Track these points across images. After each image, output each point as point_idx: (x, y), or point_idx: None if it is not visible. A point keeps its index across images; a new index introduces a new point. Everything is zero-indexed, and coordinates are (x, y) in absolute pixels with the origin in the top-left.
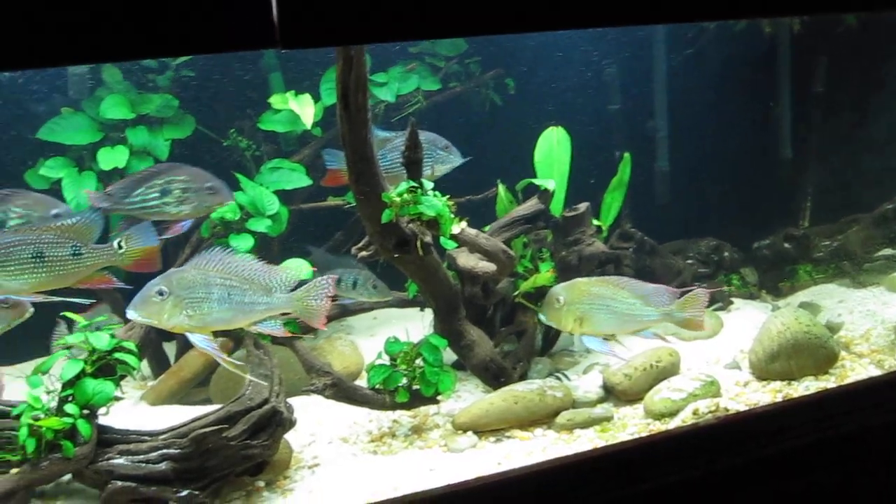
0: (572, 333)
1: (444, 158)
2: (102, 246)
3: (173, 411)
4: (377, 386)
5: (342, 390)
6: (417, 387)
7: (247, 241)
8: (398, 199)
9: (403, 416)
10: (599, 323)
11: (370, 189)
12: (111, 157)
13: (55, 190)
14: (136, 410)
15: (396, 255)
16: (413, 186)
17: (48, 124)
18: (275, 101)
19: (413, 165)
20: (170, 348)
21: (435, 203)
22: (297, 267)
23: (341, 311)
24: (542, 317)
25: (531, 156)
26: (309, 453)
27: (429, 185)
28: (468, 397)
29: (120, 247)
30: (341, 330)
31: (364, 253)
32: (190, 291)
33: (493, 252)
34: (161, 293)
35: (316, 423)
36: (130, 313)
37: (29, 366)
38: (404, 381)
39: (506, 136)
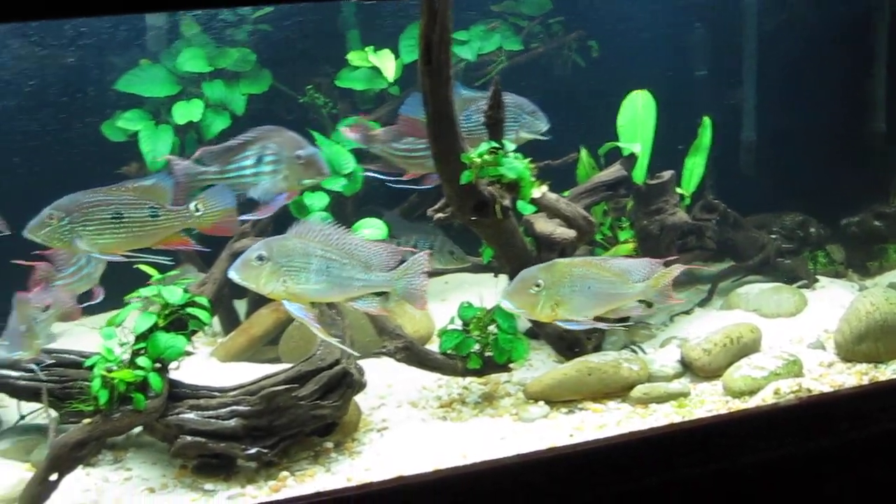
0: (544, 322)
1: (530, 123)
2: (180, 208)
3: (243, 368)
4: (449, 351)
5: (414, 354)
6: (490, 354)
7: (321, 200)
8: (478, 160)
9: (473, 382)
10: (578, 307)
11: (449, 149)
12: (186, 111)
13: (131, 143)
14: (206, 366)
15: (473, 219)
16: (494, 147)
17: (126, 76)
18: (353, 57)
19: (495, 126)
20: (240, 305)
21: (516, 165)
22: (373, 228)
23: None
24: (507, 303)
25: (613, 120)
26: (378, 416)
27: (510, 146)
28: (540, 366)
29: (197, 209)
30: None
31: (440, 215)
32: (289, 260)
33: (573, 218)
34: (260, 258)
35: (385, 387)
36: (231, 274)
37: (102, 319)
38: (477, 347)
39: (587, 99)
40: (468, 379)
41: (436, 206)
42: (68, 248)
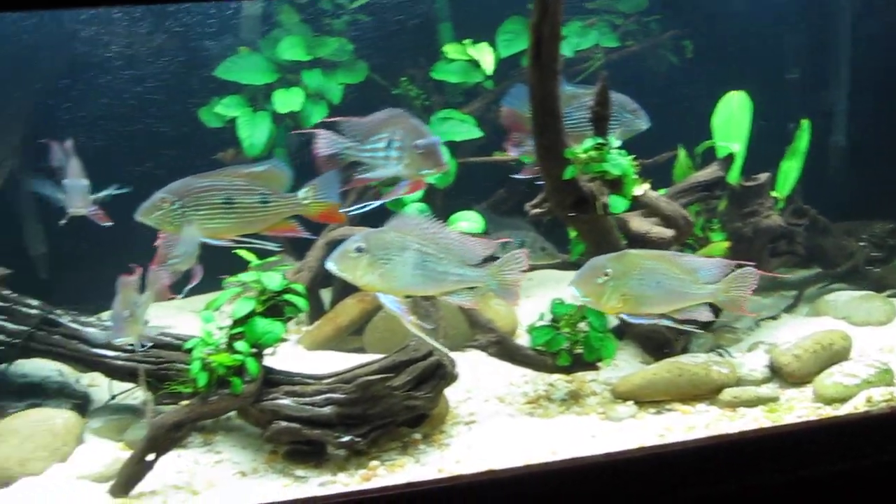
0: (607, 314)
1: (630, 122)
2: (289, 195)
3: (328, 357)
4: (539, 347)
5: (505, 349)
6: (579, 351)
7: (415, 192)
8: (583, 156)
9: (559, 380)
10: (646, 302)
11: (553, 144)
12: (287, 100)
13: (228, 129)
14: (292, 354)
15: (571, 215)
16: (599, 143)
17: (226, 63)
18: (450, 50)
19: (601, 122)
20: (325, 294)
21: (621, 162)
22: (470, 221)
23: None
24: (576, 291)
25: (705, 120)
26: (465, 409)
27: (615, 142)
28: (624, 366)
29: (305, 197)
30: None
31: (537, 210)
32: (386, 252)
33: (673, 217)
34: (359, 250)
35: (472, 380)
36: (329, 265)
37: (195, 301)
38: (566, 344)
39: (681, 98)
40: (554, 376)
41: (533, 202)
42: (177, 231)
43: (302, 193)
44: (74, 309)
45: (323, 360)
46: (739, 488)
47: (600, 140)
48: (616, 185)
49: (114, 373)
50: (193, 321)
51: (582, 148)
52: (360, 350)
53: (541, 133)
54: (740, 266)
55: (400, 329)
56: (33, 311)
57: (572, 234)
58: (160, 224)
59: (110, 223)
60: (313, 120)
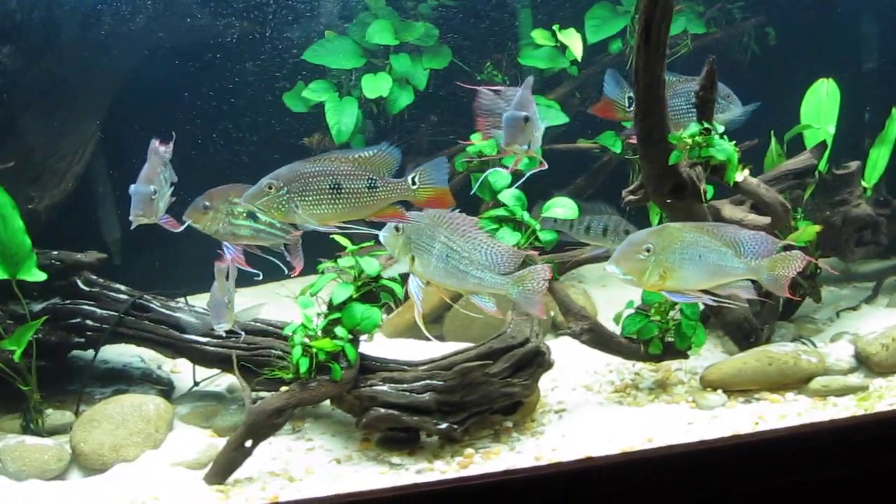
0: (649, 290)
1: (723, 108)
2: (397, 180)
3: (410, 345)
4: (631, 335)
5: (598, 336)
6: (670, 339)
7: (504, 178)
8: (689, 141)
9: (644, 369)
10: (687, 277)
11: (655, 129)
12: (375, 85)
13: (315, 114)
14: (374, 341)
15: (669, 201)
16: (706, 128)
17: (314, 47)
18: (538, 35)
19: (706, 105)
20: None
21: (726, 147)
22: (564, 207)
23: (575, 261)
24: (614, 269)
25: (789, 109)
26: (553, 398)
27: (720, 128)
28: (707, 355)
29: (413, 182)
30: (573, 278)
31: (633, 197)
32: (418, 237)
33: (772, 204)
34: (397, 229)
35: (555, 369)
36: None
37: (282, 286)
38: (658, 332)
39: (765, 86)
40: (638, 365)
41: (630, 188)
42: (285, 217)
43: (410, 179)
44: (162, 294)
45: (405, 348)
46: (837, 476)
47: (706, 125)
48: (719, 170)
49: (205, 359)
50: (274, 307)
51: (687, 132)
52: (440, 338)
53: (644, 117)
54: (788, 248)
55: (479, 318)
56: (122, 297)
57: (655, 219)
58: (267, 209)
59: (180, 229)
60: (399, 105)
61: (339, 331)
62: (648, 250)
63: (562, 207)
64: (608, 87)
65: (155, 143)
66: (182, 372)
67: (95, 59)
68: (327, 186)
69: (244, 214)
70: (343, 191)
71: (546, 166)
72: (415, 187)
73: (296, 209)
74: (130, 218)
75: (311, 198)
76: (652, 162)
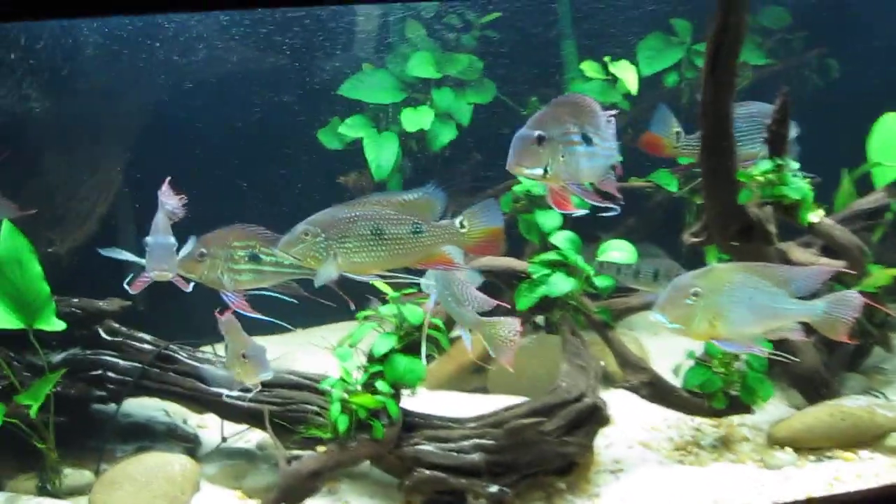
0: (699, 339)
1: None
2: (444, 224)
3: (451, 398)
4: (693, 388)
5: (659, 390)
6: (735, 392)
7: (554, 219)
8: (761, 179)
9: (704, 424)
10: (739, 322)
11: (723, 166)
12: (416, 119)
13: (353, 150)
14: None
15: (734, 244)
16: (779, 164)
17: (351, 81)
18: (588, 68)
19: (778, 140)
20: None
21: (801, 185)
22: (621, 251)
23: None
24: (660, 317)
25: (853, 144)
26: (609, 456)
27: (794, 164)
28: (772, 409)
29: (462, 226)
30: (623, 325)
31: (696, 239)
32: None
33: (847, 247)
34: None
35: (611, 424)
36: None
37: (315, 332)
38: (722, 385)
39: (827, 120)
40: (697, 420)
41: (692, 230)
42: (319, 265)
43: (458, 222)
44: (188, 343)
45: (449, 402)
46: None
47: (778, 161)
48: (791, 210)
49: (234, 415)
50: (305, 356)
51: (758, 169)
52: (482, 390)
53: (710, 154)
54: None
55: (529, 369)
56: (146, 347)
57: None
58: (303, 258)
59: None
60: (441, 141)
61: (381, 385)
62: (696, 294)
63: (619, 251)
64: (656, 121)
65: (165, 189)
66: (209, 427)
67: (120, 97)
68: (368, 232)
69: (245, 258)
70: (385, 237)
71: (613, 203)
72: (464, 231)
73: (335, 257)
74: (151, 275)
75: (350, 244)
76: (717, 201)
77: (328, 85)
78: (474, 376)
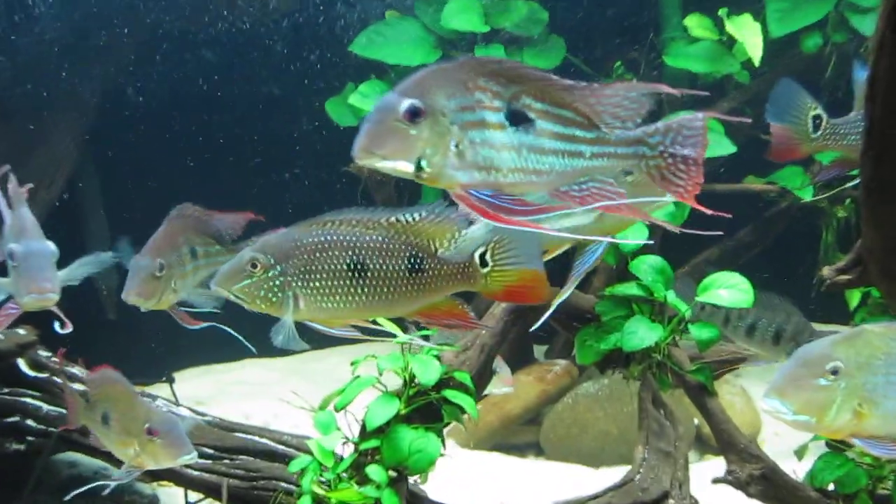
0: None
1: None
2: (456, 258)
3: (493, 462)
4: (825, 486)
5: (776, 487)
6: (884, 491)
7: (640, 233)
8: None
9: None
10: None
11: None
12: None
13: None
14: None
15: None
16: None
17: (366, 34)
18: (694, 24)
19: None
20: None
21: None
22: (733, 286)
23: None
24: (778, 404)
25: None
26: None
27: None
28: None
29: (483, 262)
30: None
31: (842, 278)
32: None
33: None
34: None
35: None
36: None
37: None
38: (868, 482)
39: None
40: None
41: (838, 265)
42: (276, 311)
43: (478, 255)
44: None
45: (482, 470)
46: None
47: None
48: None
49: (187, 484)
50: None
51: None
52: (534, 447)
53: (880, 157)
54: None
55: (594, 425)
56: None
57: (858, 316)
58: (249, 298)
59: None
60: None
61: (374, 471)
62: (835, 372)
63: (729, 289)
64: (773, 110)
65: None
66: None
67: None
68: (344, 266)
69: (189, 256)
70: (369, 273)
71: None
72: (485, 270)
73: (293, 300)
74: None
75: (318, 283)
76: (886, 226)
77: (338, 40)
78: (524, 429)
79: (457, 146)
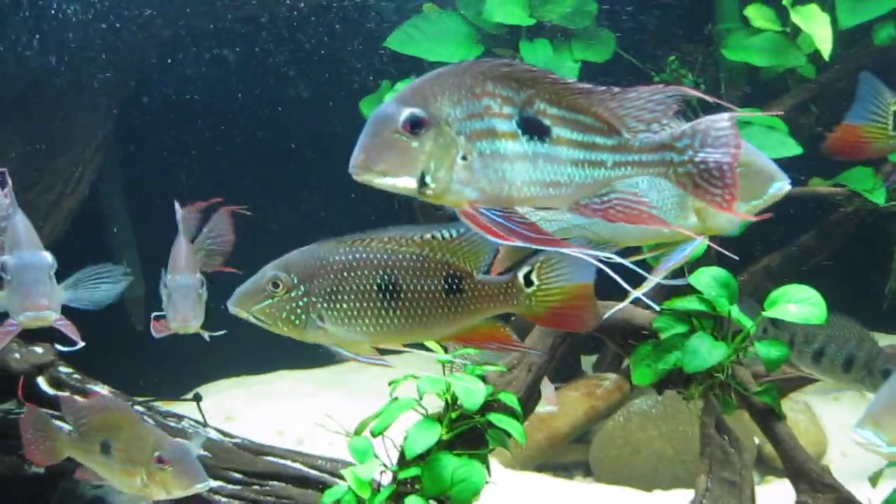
0: None
1: None
2: (497, 278)
3: (541, 485)
4: None
5: None
6: None
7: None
8: None
9: None
10: None
11: None
12: None
13: None
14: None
15: None
16: None
17: (403, 28)
18: (755, 14)
19: None
20: None
21: None
22: (803, 301)
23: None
24: (871, 436)
25: None
26: None
27: None
28: None
29: (529, 281)
30: None
31: None
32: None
33: None
34: None
35: None
36: None
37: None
38: None
39: None
40: None
41: None
42: (299, 334)
43: (522, 275)
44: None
45: (535, 491)
46: None
47: None
48: None
49: None
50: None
51: None
52: (582, 467)
53: None
54: None
55: (648, 445)
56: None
57: None
58: (270, 321)
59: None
60: None
61: (414, 502)
62: None
63: (798, 304)
64: (861, 105)
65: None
66: None
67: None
68: (374, 286)
69: None
70: (402, 294)
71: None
72: (530, 289)
73: (320, 322)
74: (172, 325)
75: (346, 304)
76: None
77: (373, 35)
78: (572, 448)
79: (464, 159)
